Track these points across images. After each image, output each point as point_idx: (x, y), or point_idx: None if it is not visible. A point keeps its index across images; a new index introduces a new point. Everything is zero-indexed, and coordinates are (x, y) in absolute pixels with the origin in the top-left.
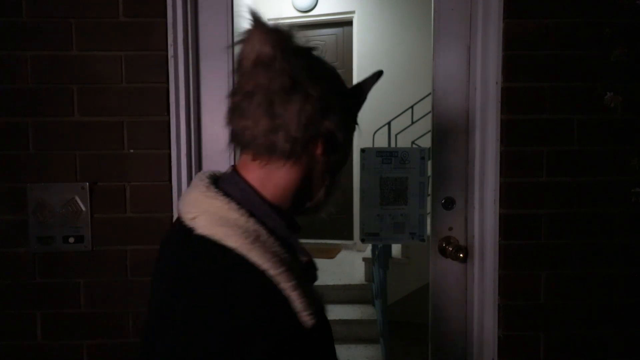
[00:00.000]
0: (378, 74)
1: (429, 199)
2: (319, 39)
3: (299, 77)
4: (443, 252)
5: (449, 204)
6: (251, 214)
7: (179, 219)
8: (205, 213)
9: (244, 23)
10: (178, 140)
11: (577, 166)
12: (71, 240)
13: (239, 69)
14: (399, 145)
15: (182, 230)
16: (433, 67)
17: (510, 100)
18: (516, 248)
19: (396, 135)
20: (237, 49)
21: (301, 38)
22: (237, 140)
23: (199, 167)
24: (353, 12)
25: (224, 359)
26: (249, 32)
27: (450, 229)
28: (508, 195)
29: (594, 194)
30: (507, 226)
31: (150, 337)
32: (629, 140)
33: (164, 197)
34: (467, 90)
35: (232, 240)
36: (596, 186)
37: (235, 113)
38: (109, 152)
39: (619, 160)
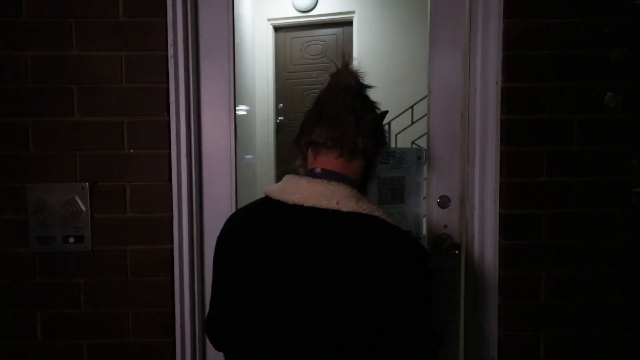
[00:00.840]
0: (384, 114)
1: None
2: (319, 39)
3: (368, 101)
4: (437, 248)
5: (444, 202)
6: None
7: (301, 208)
8: (343, 198)
9: (243, 23)
10: (178, 140)
11: (577, 166)
12: (71, 240)
13: (329, 92)
14: (399, 145)
15: (325, 214)
16: (428, 71)
17: (510, 100)
18: (516, 248)
19: (396, 135)
20: (330, 78)
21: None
22: (322, 144)
23: (199, 167)
24: (353, 12)
25: (426, 295)
26: (340, 69)
27: (445, 226)
28: (508, 195)
29: (594, 194)
30: (507, 226)
31: (303, 299)
32: (629, 140)
33: (164, 197)
34: (463, 93)
35: (374, 210)
36: (596, 186)
37: (321, 123)
38: (109, 152)
39: (619, 160)
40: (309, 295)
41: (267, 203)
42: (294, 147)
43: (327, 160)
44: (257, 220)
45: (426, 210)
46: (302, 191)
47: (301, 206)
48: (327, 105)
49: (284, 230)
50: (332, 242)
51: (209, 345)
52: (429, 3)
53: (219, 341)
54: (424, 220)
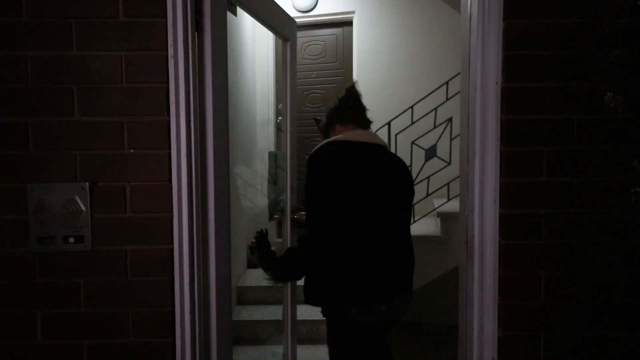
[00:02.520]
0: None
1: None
2: (319, 39)
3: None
4: (294, 220)
5: (292, 190)
6: None
7: (367, 144)
8: (383, 143)
9: (243, 23)
10: (178, 140)
11: (577, 166)
12: (71, 240)
13: (350, 95)
14: (399, 145)
15: (382, 147)
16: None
17: (510, 100)
18: (516, 248)
19: (396, 135)
20: (345, 89)
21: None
22: (353, 121)
23: (199, 167)
24: (353, 12)
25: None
26: (353, 83)
27: (296, 205)
28: (508, 195)
29: (594, 194)
30: (507, 226)
31: (388, 197)
32: (629, 140)
33: (164, 197)
34: None
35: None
36: (596, 186)
37: (350, 111)
38: (109, 152)
39: (619, 160)
40: (398, 189)
41: (342, 143)
42: (325, 127)
43: (355, 128)
44: (351, 153)
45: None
46: (366, 136)
47: (367, 143)
48: (353, 101)
49: (370, 156)
50: (397, 161)
51: (210, 345)
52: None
53: (327, 248)
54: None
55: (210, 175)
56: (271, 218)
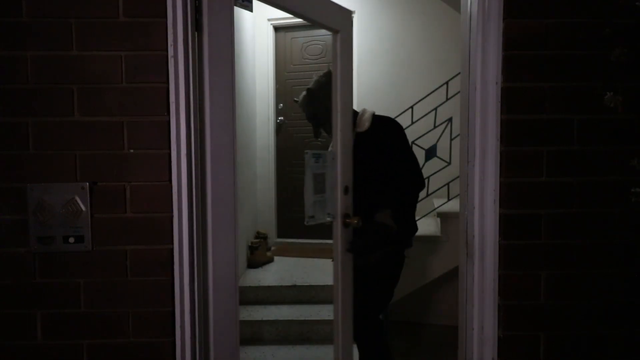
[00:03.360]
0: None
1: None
2: (319, 39)
3: None
4: (345, 224)
5: (346, 191)
6: None
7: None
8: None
9: (243, 23)
10: (178, 140)
11: (577, 166)
12: (71, 240)
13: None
14: None
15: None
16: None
17: (510, 100)
18: (516, 248)
19: None
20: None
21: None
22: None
23: (199, 167)
24: (353, 12)
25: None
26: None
27: (347, 207)
28: (508, 195)
29: (594, 194)
30: (507, 226)
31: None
32: (629, 140)
33: (164, 197)
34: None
35: None
36: (596, 186)
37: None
38: (109, 152)
39: (619, 160)
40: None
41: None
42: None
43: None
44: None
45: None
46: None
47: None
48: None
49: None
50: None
51: (209, 345)
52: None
53: None
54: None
55: (209, 175)
56: (309, 221)
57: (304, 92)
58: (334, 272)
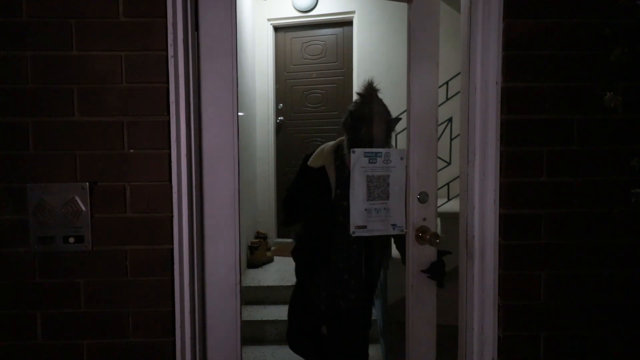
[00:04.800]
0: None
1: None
2: (319, 39)
3: None
4: (419, 239)
5: (423, 198)
6: None
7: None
8: None
9: (243, 23)
10: (178, 140)
11: (577, 166)
12: (71, 240)
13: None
14: (399, 145)
15: None
16: (408, 84)
17: (510, 100)
18: (516, 248)
19: (396, 136)
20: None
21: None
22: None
23: (199, 167)
24: (353, 12)
25: None
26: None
27: (424, 219)
28: (508, 195)
29: (594, 194)
30: (507, 226)
31: None
32: (629, 140)
33: (164, 197)
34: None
35: None
36: (596, 186)
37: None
38: (109, 152)
39: (619, 160)
40: None
41: None
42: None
43: None
44: None
45: (408, 205)
46: None
47: None
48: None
49: None
50: None
51: (209, 345)
52: (408, 18)
53: None
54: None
55: (207, 174)
56: (358, 232)
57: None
58: (406, 302)
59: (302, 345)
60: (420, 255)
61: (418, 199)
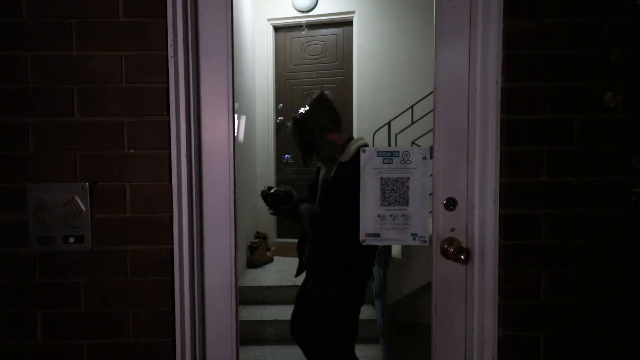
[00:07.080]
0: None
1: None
2: (319, 39)
3: None
4: (445, 253)
5: (451, 204)
6: None
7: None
8: None
9: (243, 23)
10: (178, 140)
11: (577, 166)
12: (71, 240)
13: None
14: (399, 145)
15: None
16: (435, 65)
17: (510, 100)
18: (516, 248)
19: (396, 136)
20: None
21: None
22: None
23: (199, 167)
24: (353, 12)
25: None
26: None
27: (452, 230)
28: (508, 195)
29: (594, 194)
30: (507, 226)
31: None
32: (629, 140)
33: (164, 197)
34: (468, 89)
35: None
36: (596, 186)
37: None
38: (109, 152)
39: (619, 160)
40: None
41: None
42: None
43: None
44: None
45: (432, 212)
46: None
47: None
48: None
49: None
50: None
51: (209, 345)
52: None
53: None
54: (430, 223)
55: (205, 175)
56: (370, 240)
57: (291, 122)
58: (431, 326)
59: (295, 332)
60: (447, 271)
61: (444, 205)
